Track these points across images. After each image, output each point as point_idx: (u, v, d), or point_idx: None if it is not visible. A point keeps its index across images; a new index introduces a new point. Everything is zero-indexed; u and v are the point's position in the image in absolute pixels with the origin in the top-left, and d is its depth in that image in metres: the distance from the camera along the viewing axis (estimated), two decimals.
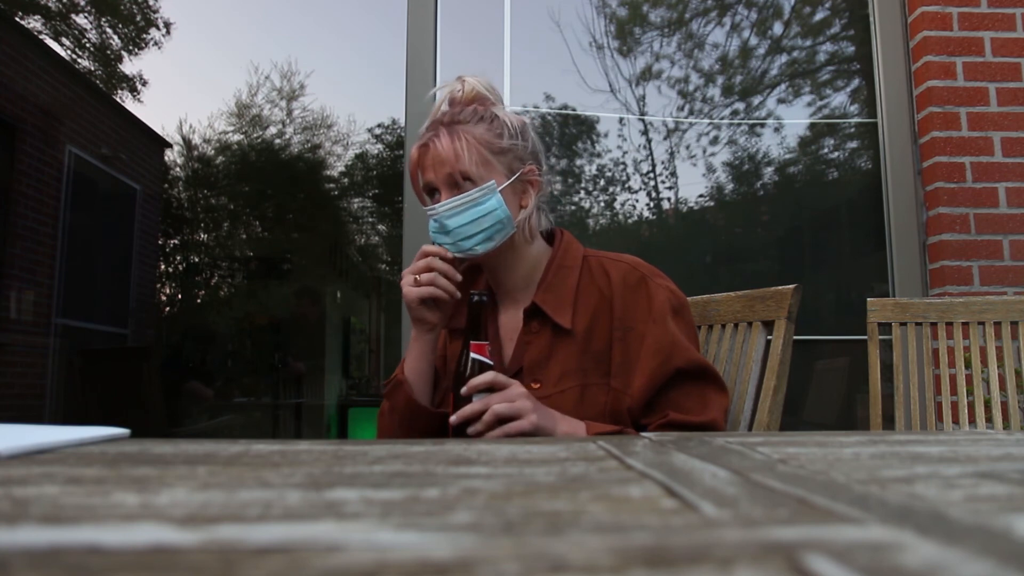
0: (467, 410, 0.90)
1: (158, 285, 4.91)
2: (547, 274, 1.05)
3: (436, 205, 1.00)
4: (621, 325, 0.99)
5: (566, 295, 1.02)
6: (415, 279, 0.99)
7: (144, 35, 4.50)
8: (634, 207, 2.63)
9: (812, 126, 2.64)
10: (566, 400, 0.97)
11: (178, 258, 5.02)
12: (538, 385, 0.98)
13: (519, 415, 0.89)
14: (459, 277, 1.01)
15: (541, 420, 0.90)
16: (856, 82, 2.60)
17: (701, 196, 2.69)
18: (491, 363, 0.93)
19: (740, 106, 2.63)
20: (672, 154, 2.61)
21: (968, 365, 1.48)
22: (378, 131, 4.51)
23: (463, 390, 0.91)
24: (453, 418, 0.91)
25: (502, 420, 0.89)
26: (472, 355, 0.93)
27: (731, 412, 1.10)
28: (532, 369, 0.99)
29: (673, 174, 2.62)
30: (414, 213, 2.22)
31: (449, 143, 1.00)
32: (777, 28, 2.72)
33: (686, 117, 2.61)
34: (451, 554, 0.21)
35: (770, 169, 2.67)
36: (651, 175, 2.61)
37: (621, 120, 2.56)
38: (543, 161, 1.09)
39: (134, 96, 4.64)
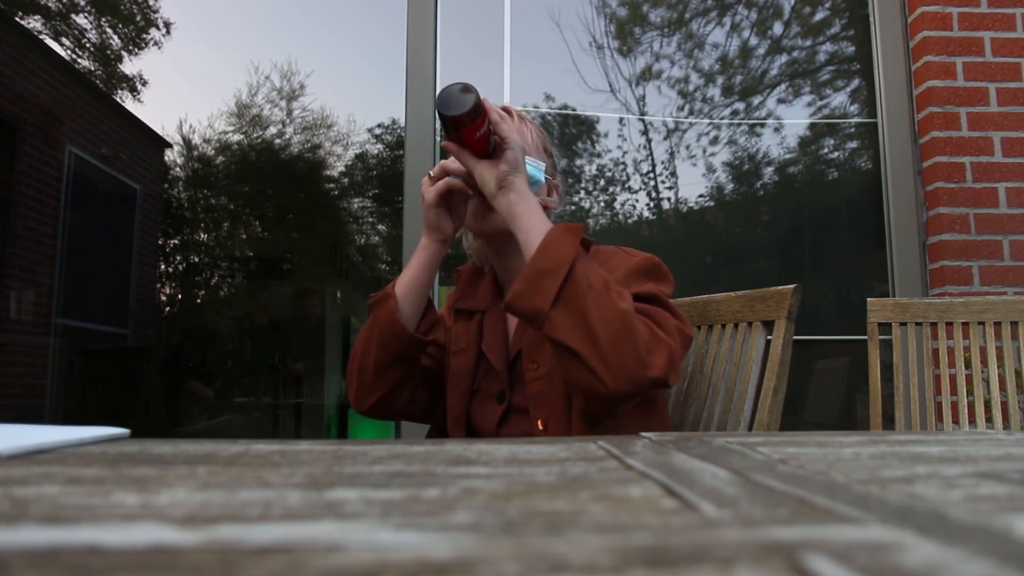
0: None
1: (158, 285, 4.90)
2: None
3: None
4: None
5: None
6: (429, 176, 1.00)
7: (144, 35, 4.49)
8: (634, 207, 2.63)
9: (812, 126, 2.64)
10: (558, 377, 0.97)
11: (178, 258, 5.02)
12: (535, 365, 0.99)
13: (512, 139, 0.93)
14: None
15: (519, 168, 0.94)
16: (856, 82, 2.60)
17: (701, 196, 2.69)
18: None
19: (740, 106, 2.64)
20: (672, 154, 2.61)
21: (968, 365, 1.48)
22: (378, 131, 4.50)
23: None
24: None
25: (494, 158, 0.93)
26: None
27: (731, 412, 1.10)
28: (529, 351, 1.01)
29: (673, 174, 2.62)
30: (414, 213, 2.22)
31: (519, 123, 1.06)
32: (777, 28, 2.72)
33: (686, 117, 2.61)
34: (451, 554, 0.21)
35: (770, 169, 2.67)
36: (651, 175, 2.61)
37: (621, 120, 2.56)
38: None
39: (134, 96, 4.64)
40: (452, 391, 1.07)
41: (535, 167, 1.04)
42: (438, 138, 2.28)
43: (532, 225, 0.90)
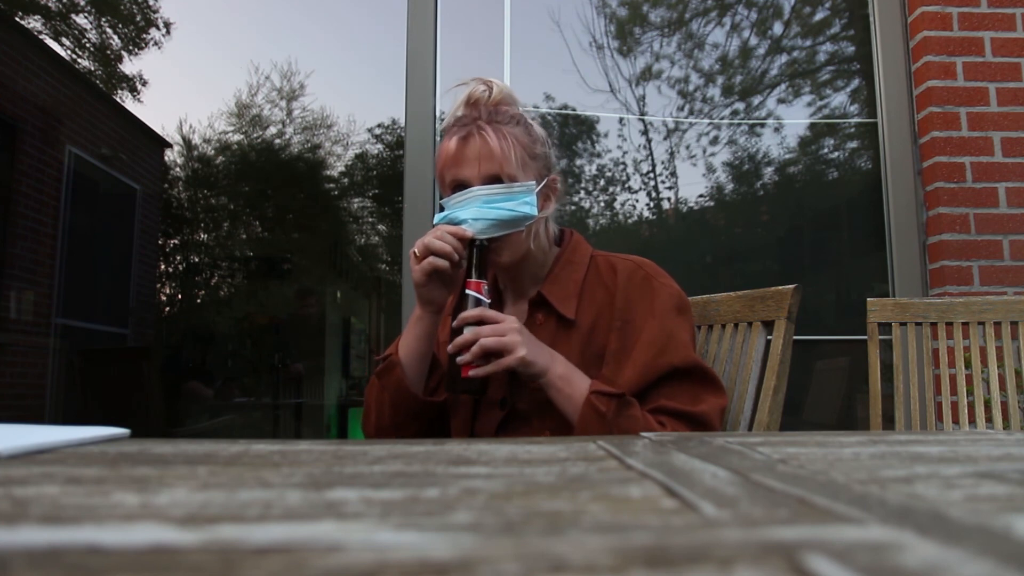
0: (458, 340, 0.91)
1: (158, 285, 4.91)
2: (554, 268, 1.06)
3: (473, 188, 0.97)
4: (621, 317, 0.99)
5: (571, 288, 1.03)
6: (414, 254, 0.97)
7: (144, 35, 4.50)
8: (634, 207, 2.63)
9: (812, 126, 2.64)
10: None
11: (178, 258, 5.02)
12: None
13: (506, 349, 0.90)
14: (463, 254, 0.97)
15: (532, 356, 0.91)
16: (856, 82, 2.60)
17: (701, 196, 2.69)
18: (487, 300, 0.95)
19: (740, 106, 2.63)
20: (672, 154, 2.61)
21: (968, 365, 1.48)
22: (378, 131, 4.51)
23: (453, 323, 0.93)
24: (450, 348, 0.93)
25: (491, 355, 0.91)
26: (467, 292, 0.95)
27: (731, 412, 1.10)
28: None
29: (673, 174, 2.62)
30: (414, 213, 2.22)
31: (496, 141, 0.98)
32: (777, 28, 2.72)
33: (686, 117, 2.61)
34: (451, 554, 0.21)
35: (770, 169, 2.67)
36: (651, 175, 2.61)
37: (621, 120, 2.56)
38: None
39: (134, 96, 4.64)
40: (455, 400, 1.07)
41: (522, 198, 0.97)
42: (438, 139, 2.28)
43: (568, 412, 0.93)
